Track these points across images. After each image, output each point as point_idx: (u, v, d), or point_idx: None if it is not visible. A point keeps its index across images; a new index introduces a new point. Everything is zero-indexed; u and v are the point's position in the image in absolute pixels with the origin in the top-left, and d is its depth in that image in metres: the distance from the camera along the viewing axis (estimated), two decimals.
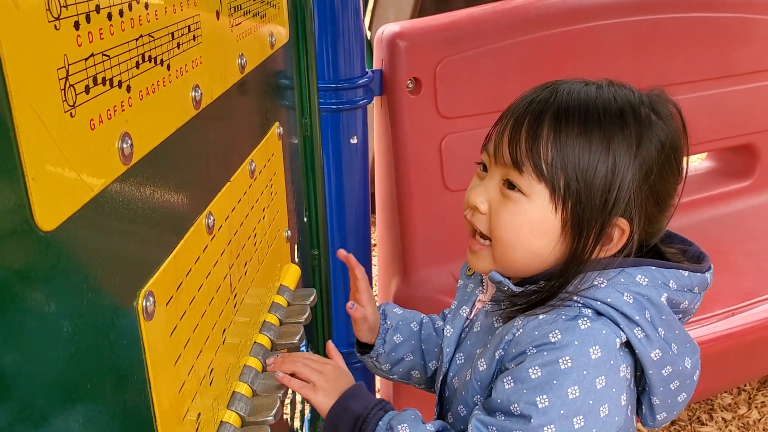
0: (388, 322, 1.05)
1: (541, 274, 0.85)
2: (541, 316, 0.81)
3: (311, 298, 1.09)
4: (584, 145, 0.80)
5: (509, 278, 0.85)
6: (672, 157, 0.84)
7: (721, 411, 2.00)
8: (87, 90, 0.48)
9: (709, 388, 1.83)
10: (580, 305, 0.80)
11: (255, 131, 0.96)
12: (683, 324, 0.87)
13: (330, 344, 1.03)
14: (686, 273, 0.84)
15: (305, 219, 1.33)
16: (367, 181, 1.61)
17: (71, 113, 0.46)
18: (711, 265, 0.88)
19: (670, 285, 0.82)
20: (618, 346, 0.78)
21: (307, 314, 1.04)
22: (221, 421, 0.78)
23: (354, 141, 1.52)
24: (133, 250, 0.58)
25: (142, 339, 0.57)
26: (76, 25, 0.46)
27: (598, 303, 0.79)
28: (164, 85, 0.61)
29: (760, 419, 1.97)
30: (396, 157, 1.63)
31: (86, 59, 0.47)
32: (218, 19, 0.78)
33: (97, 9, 0.49)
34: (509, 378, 0.79)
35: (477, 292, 0.94)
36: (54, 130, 0.43)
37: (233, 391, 0.83)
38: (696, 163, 2.30)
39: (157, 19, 0.60)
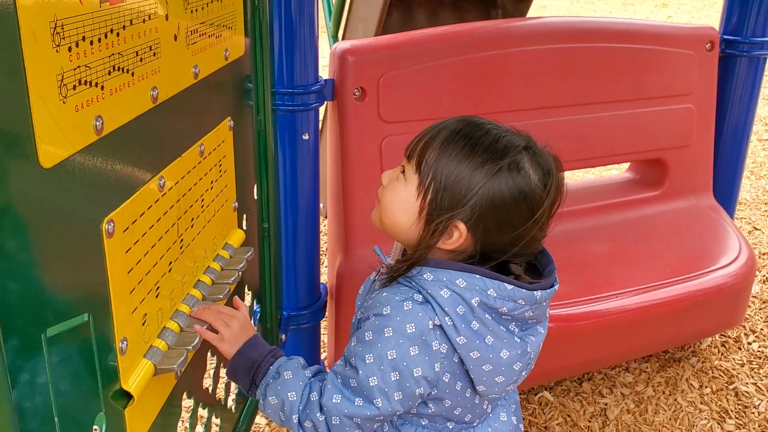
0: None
1: (406, 257, 1.09)
2: (384, 293, 1.06)
3: (248, 254, 1.40)
4: (456, 163, 1.03)
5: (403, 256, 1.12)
6: (523, 204, 1.02)
7: (621, 387, 2.31)
8: (74, 88, 0.79)
9: (603, 357, 2.14)
10: (415, 289, 1.05)
11: (207, 122, 1.27)
12: (532, 324, 1.10)
13: (236, 298, 1.28)
14: (510, 286, 1.02)
15: (255, 197, 1.64)
16: (317, 171, 1.92)
17: (63, 101, 0.77)
18: (554, 283, 1.09)
19: (488, 292, 1.02)
20: (431, 326, 1.02)
21: (242, 264, 1.35)
22: (164, 327, 1.10)
23: (306, 137, 1.83)
24: (101, 193, 0.89)
25: (104, 250, 0.89)
26: (69, 49, 0.78)
27: (425, 291, 1.04)
28: (129, 86, 0.93)
29: (654, 395, 2.28)
30: (343, 154, 1.94)
31: (74, 69, 0.79)
32: (176, 40, 1.09)
33: (83, 38, 0.80)
34: (354, 336, 1.08)
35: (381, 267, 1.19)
36: (53, 110, 0.75)
37: (176, 309, 1.15)
38: (617, 172, 2.61)
39: (125, 42, 0.91)
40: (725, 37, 2.41)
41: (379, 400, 1.04)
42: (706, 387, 2.33)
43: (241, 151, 1.48)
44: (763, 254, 3.20)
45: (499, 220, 1.03)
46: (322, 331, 2.28)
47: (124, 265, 0.94)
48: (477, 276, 1.03)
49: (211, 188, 1.30)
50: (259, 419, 2.11)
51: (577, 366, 2.16)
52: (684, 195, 2.42)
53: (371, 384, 1.04)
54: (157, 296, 1.06)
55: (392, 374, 1.03)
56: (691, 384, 2.35)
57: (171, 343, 1.08)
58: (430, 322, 1.02)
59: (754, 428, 2.17)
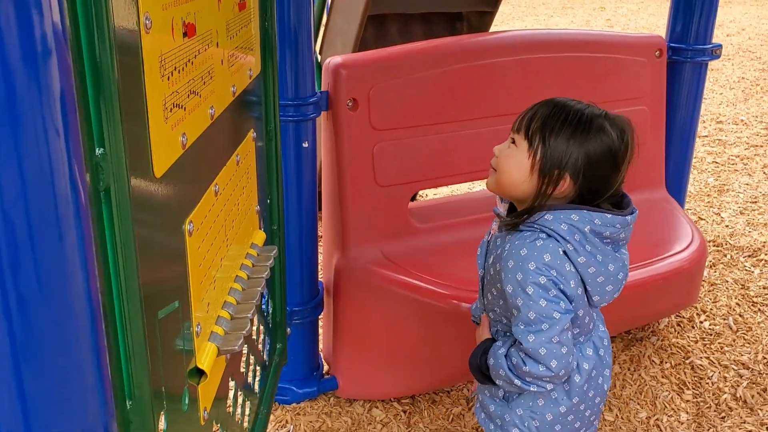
0: None
1: (523, 210, 1.39)
2: (515, 241, 1.35)
3: (273, 252, 1.56)
4: (557, 131, 1.34)
5: (513, 210, 1.43)
6: (610, 155, 1.35)
7: None
8: (171, 110, 0.94)
9: None
10: (537, 230, 1.34)
11: (239, 135, 1.43)
12: (622, 245, 1.41)
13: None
14: (609, 215, 1.35)
15: (268, 201, 1.79)
16: (315, 176, 2.08)
17: (165, 121, 0.92)
18: (634, 210, 1.41)
19: (595, 221, 1.33)
20: (561, 253, 1.32)
21: (270, 261, 1.51)
22: (218, 315, 1.25)
23: (305, 145, 2.00)
24: (184, 198, 1.04)
25: (186, 246, 1.04)
26: (168, 78, 0.93)
27: (547, 228, 1.33)
28: (199, 106, 1.08)
29: (620, 372, 2.51)
30: (338, 159, 2.11)
31: (171, 94, 0.94)
32: (222, 64, 1.25)
33: (175, 68, 0.96)
34: (506, 286, 1.35)
35: (493, 225, 1.51)
36: (161, 129, 0.90)
37: (225, 300, 1.30)
38: None
39: (197, 69, 1.07)
40: (671, 44, 2.67)
41: (555, 314, 1.31)
42: (666, 362, 2.58)
43: (260, 159, 1.63)
44: (709, 242, 3.49)
45: (594, 170, 1.34)
46: (319, 325, 2.44)
47: (198, 259, 1.10)
48: (585, 210, 1.33)
49: (243, 193, 1.46)
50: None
51: None
52: (640, 189, 2.65)
53: (543, 306, 1.31)
54: (214, 288, 1.22)
55: (550, 292, 1.32)
56: (652, 360, 2.59)
57: (227, 329, 1.23)
58: (560, 249, 1.32)
59: (708, 396, 2.42)
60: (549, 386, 1.38)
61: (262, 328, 1.75)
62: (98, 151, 0.70)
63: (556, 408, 1.45)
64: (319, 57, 3.02)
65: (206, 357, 1.14)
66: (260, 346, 1.74)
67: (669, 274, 2.33)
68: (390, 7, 2.77)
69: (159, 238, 0.93)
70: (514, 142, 1.41)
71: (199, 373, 1.12)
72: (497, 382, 1.43)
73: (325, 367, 2.39)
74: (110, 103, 0.71)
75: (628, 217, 1.39)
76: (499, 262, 1.40)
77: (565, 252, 1.33)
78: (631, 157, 1.40)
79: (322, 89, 2.09)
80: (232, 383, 1.41)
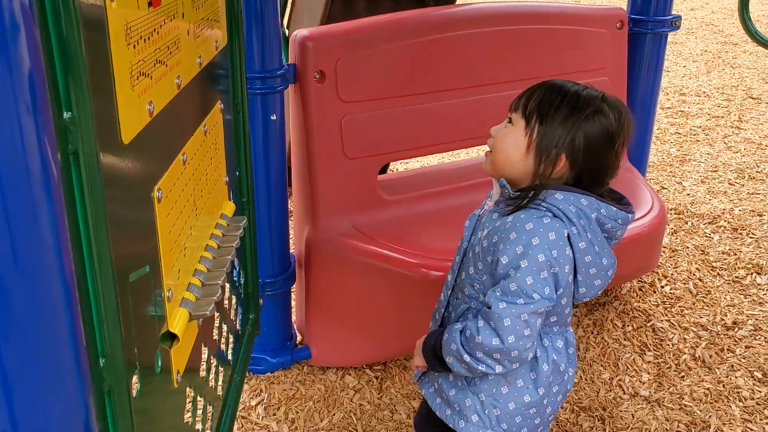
0: None
1: (524, 189, 1.38)
2: (522, 215, 1.33)
3: (243, 222, 1.58)
4: (555, 112, 1.34)
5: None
6: (607, 137, 1.35)
7: None
8: (137, 78, 0.96)
9: None
10: (544, 209, 1.33)
11: (206, 106, 1.44)
12: (612, 243, 1.41)
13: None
14: (614, 208, 1.36)
15: (237, 173, 1.81)
16: (284, 148, 2.11)
17: (132, 89, 0.94)
18: (633, 211, 1.43)
19: (601, 211, 1.34)
20: (565, 235, 1.31)
21: (240, 231, 1.54)
22: (189, 282, 1.28)
23: (274, 117, 2.02)
24: (152, 166, 1.06)
25: (155, 213, 1.06)
26: (134, 46, 0.95)
27: (555, 208, 1.32)
28: (165, 76, 1.10)
29: (584, 336, 2.60)
30: (307, 132, 2.13)
31: (137, 62, 0.96)
32: (188, 35, 1.26)
33: (141, 37, 0.98)
34: (500, 256, 1.33)
35: (487, 200, 1.49)
36: (128, 96, 0.92)
37: (195, 268, 1.33)
38: None
39: (162, 39, 1.08)
40: (632, 16, 2.72)
41: (535, 294, 1.30)
42: (628, 326, 2.67)
43: (227, 131, 1.65)
44: (670, 210, 3.58)
45: (592, 151, 1.34)
46: (292, 296, 2.47)
47: (167, 226, 1.12)
48: (594, 198, 1.34)
49: (211, 164, 1.48)
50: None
51: None
52: None
53: (528, 283, 1.29)
54: (184, 255, 1.24)
55: (542, 273, 1.30)
56: (615, 324, 2.67)
57: (198, 295, 1.26)
58: (565, 231, 1.32)
59: (669, 357, 2.51)
60: (498, 368, 1.33)
61: (234, 298, 1.78)
62: (66, 114, 0.73)
63: (520, 397, 1.41)
64: (286, 31, 3.03)
65: (178, 322, 1.17)
66: (232, 315, 1.77)
67: (630, 240, 2.40)
68: None
69: (128, 204, 0.96)
70: (510, 121, 1.40)
71: (171, 337, 1.15)
72: (447, 360, 1.39)
73: (299, 337, 2.43)
74: (77, 70, 0.73)
75: (630, 215, 1.40)
76: (495, 235, 1.36)
77: (568, 235, 1.32)
78: (628, 141, 1.41)
79: (290, 62, 2.10)
80: (205, 350, 1.44)
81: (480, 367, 1.34)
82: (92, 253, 0.79)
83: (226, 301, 1.68)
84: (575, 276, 1.37)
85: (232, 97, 1.76)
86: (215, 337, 1.55)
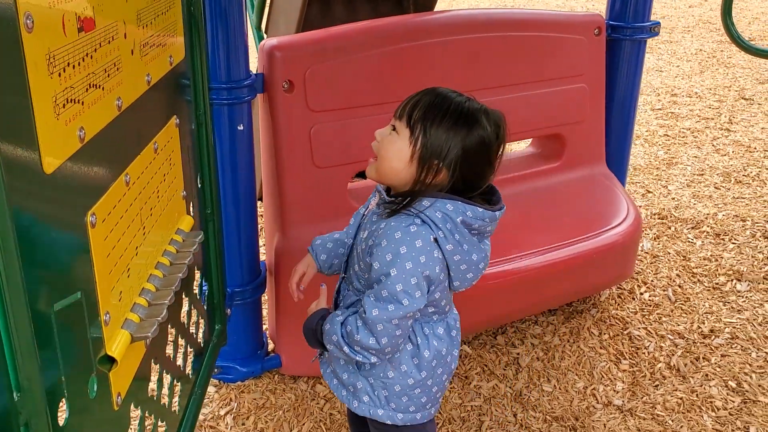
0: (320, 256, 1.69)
1: (402, 193, 1.44)
2: (392, 222, 1.40)
3: (199, 237, 1.58)
4: (438, 124, 1.38)
5: (390, 193, 1.47)
6: (484, 149, 1.40)
7: (531, 338, 2.61)
8: (63, 105, 0.96)
9: (513, 311, 2.43)
10: (414, 215, 1.39)
11: (158, 122, 1.44)
12: (486, 237, 1.48)
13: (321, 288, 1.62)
14: (481, 209, 1.41)
15: (199, 185, 1.81)
16: (252, 158, 2.10)
17: (57, 117, 0.94)
18: (503, 207, 1.47)
19: (467, 213, 1.39)
20: (432, 240, 1.38)
21: (194, 246, 1.53)
22: (134, 302, 1.27)
23: (240, 128, 2.01)
24: (85, 191, 1.06)
25: (89, 238, 1.06)
26: (59, 74, 0.94)
27: (422, 215, 1.39)
28: (101, 99, 1.10)
29: (560, 344, 2.59)
30: (275, 141, 2.12)
31: (63, 90, 0.96)
32: (132, 54, 1.26)
33: (68, 64, 0.97)
34: (374, 260, 1.40)
35: (371, 199, 1.56)
36: (50, 126, 0.92)
37: (143, 287, 1.32)
38: (521, 148, 2.89)
39: (97, 62, 1.08)
40: (611, 23, 2.70)
41: (405, 300, 1.37)
42: (605, 334, 2.66)
43: (185, 145, 1.65)
44: (654, 214, 3.57)
45: (469, 162, 1.40)
46: (263, 305, 2.47)
47: (104, 250, 1.12)
48: (460, 202, 1.40)
49: (164, 180, 1.47)
50: (210, 388, 2.30)
51: (491, 320, 2.43)
52: (580, 165, 2.72)
53: (398, 290, 1.37)
54: (128, 276, 1.24)
55: (411, 279, 1.37)
56: (591, 332, 2.67)
57: (142, 316, 1.26)
58: (431, 237, 1.38)
59: (644, 366, 2.50)
60: (373, 359, 1.44)
61: (195, 310, 1.78)
62: None
63: (404, 380, 1.51)
64: (264, 36, 3.02)
65: (118, 344, 1.17)
66: (192, 328, 1.77)
67: (604, 249, 2.40)
68: None
69: (53, 233, 0.95)
70: (395, 129, 1.44)
71: (111, 360, 1.15)
72: (328, 347, 1.50)
73: (272, 345, 2.43)
74: None
75: (497, 213, 1.45)
76: (371, 238, 1.45)
77: (435, 239, 1.39)
78: (502, 153, 1.46)
79: (258, 71, 2.10)
80: (155, 367, 1.44)
81: (357, 357, 1.45)
82: (2, 289, 0.79)
83: (184, 316, 1.67)
84: (449, 272, 1.45)
85: (194, 109, 1.76)
86: (169, 352, 1.55)
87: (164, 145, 1.47)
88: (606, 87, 2.74)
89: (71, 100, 0.98)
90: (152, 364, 1.42)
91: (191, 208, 1.72)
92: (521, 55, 2.49)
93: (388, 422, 1.55)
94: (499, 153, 1.45)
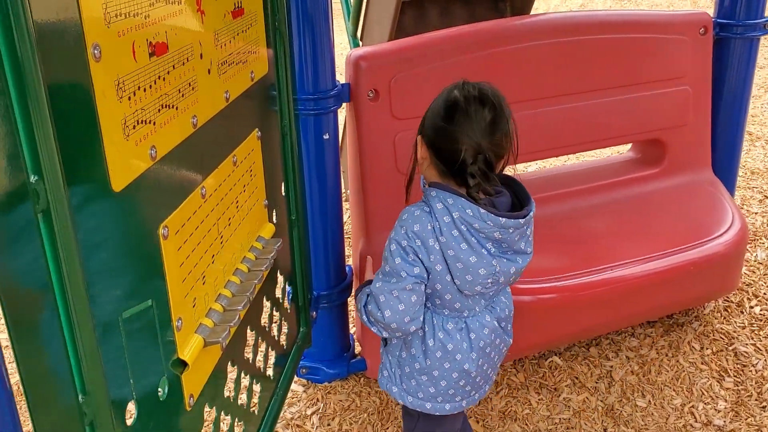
0: None
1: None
2: (409, 207, 1.49)
3: (278, 244, 1.64)
4: (443, 124, 1.42)
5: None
6: (450, 110, 1.42)
7: (627, 351, 2.51)
8: (134, 127, 1.03)
9: (605, 323, 2.35)
10: (423, 202, 1.48)
11: (238, 136, 1.51)
12: (500, 244, 1.46)
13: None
14: (483, 210, 1.41)
15: (283, 194, 1.87)
16: (338, 167, 2.15)
17: (126, 138, 1.01)
18: (525, 215, 1.45)
19: (467, 211, 1.41)
20: (430, 227, 1.43)
21: (273, 254, 1.59)
22: (210, 308, 1.34)
23: (326, 137, 2.06)
24: (158, 204, 1.13)
25: (161, 249, 1.13)
26: (129, 98, 1.01)
27: (427, 203, 1.46)
28: (175, 118, 1.17)
29: (657, 357, 2.48)
30: (360, 149, 2.16)
31: (134, 113, 1.02)
32: (209, 74, 1.32)
33: (139, 87, 1.04)
34: (388, 239, 1.51)
35: None
36: (119, 147, 0.99)
37: (219, 293, 1.39)
38: (621, 153, 2.78)
39: (170, 84, 1.15)
40: (719, 20, 2.55)
41: (403, 273, 1.45)
42: (707, 349, 2.52)
43: (268, 155, 1.71)
44: None
45: (434, 124, 1.45)
46: (350, 307, 2.52)
47: (177, 259, 1.19)
48: (462, 198, 1.42)
49: (244, 191, 1.54)
50: (296, 387, 2.37)
51: (582, 332, 2.36)
52: (682, 171, 2.59)
53: (397, 263, 1.46)
54: (204, 283, 1.31)
55: (409, 256, 1.46)
56: (692, 346, 2.54)
57: (216, 321, 1.33)
58: (429, 225, 1.44)
59: (751, 385, 2.35)
60: (384, 333, 1.53)
61: (277, 314, 1.85)
62: (33, 178, 0.79)
63: (413, 363, 1.57)
64: (360, 44, 3.07)
65: (190, 349, 1.24)
66: (275, 331, 1.84)
67: (703, 260, 2.28)
68: None
69: (125, 246, 1.03)
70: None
71: (183, 363, 1.22)
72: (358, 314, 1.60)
73: (359, 348, 2.48)
74: (44, 135, 0.79)
75: (503, 219, 1.42)
76: None
77: (432, 228, 1.43)
78: (498, 130, 1.41)
79: (344, 81, 2.14)
80: (233, 369, 1.51)
81: (372, 329, 1.54)
82: (67, 301, 0.86)
83: (265, 319, 1.74)
84: (449, 270, 1.47)
85: (279, 120, 1.82)
86: (248, 355, 1.61)
87: (245, 158, 1.54)
88: (713, 88, 2.59)
89: (142, 121, 1.05)
90: (229, 366, 1.49)
91: (274, 216, 1.78)
92: (619, 58, 2.40)
93: (400, 402, 1.63)
94: (477, 123, 1.39)
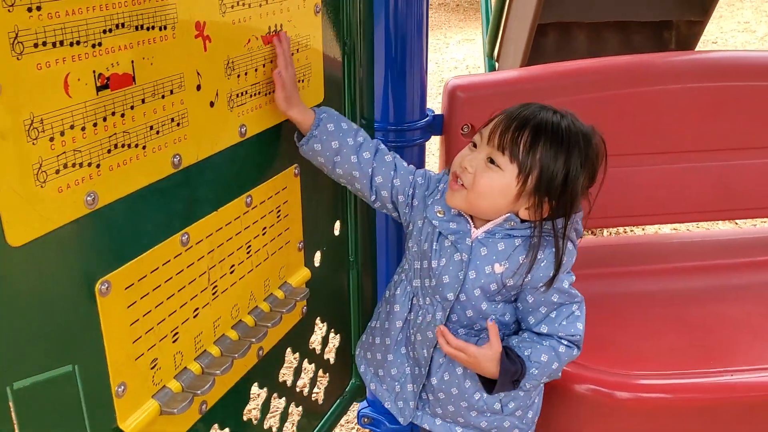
0: (322, 116, 1.36)
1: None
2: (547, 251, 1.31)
3: (302, 294, 1.46)
4: (548, 153, 1.26)
5: (471, 217, 1.34)
6: (591, 174, 1.32)
7: None
8: (57, 172, 0.89)
9: None
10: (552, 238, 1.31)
11: (258, 174, 1.34)
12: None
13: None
14: None
15: (336, 233, 1.68)
16: None
17: (42, 186, 0.87)
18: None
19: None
20: None
21: (292, 304, 1.41)
22: (184, 367, 1.19)
23: None
24: (92, 259, 0.99)
25: (97, 308, 0.99)
26: (51, 139, 0.88)
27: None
28: (138, 159, 1.02)
29: None
30: None
31: (57, 156, 0.89)
32: (212, 107, 1.17)
33: (71, 126, 0.90)
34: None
35: (468, 229, 1.34)
36: (24, 195, 0.85)
37: (204, 350, 1.24)
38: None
39: (133, 121, 1.00)
40: None
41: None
42: None
43: (314, 193, 1.53)
44: None
45: (571, 188, 1.29)
46: None
47: (126, 318, 1.05)
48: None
49: (263, 234, 1.37)
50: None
51: None
52: None
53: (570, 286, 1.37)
54: (175, 341, 1.16)
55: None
56: None
57: (185, 385, 1.17)
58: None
59: None
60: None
61: (312, 366, 1.67)
62: None
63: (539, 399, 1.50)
64: (496, 65, 2.79)
65: (138, 418, 1.09)
66: (306, 389, 1.66)
67: None
68: (573, 14, 2.43)
69: (27, 306, 0.90)
70: (493, 162, 1.28)
71: None
72: (531, 383, 1.36)
73: None
74: None
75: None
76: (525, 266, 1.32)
77: None
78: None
79: (439, 111, 1.91)
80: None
81: (575, 352, 1.38)
82: None
83: (285, 374, 1.56)
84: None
85: None
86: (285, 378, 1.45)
87: (268, 198, 1.37)
88: None
89: (73, 164, 0.91)
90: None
91: (317, 259, 1.60)
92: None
93: None
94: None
